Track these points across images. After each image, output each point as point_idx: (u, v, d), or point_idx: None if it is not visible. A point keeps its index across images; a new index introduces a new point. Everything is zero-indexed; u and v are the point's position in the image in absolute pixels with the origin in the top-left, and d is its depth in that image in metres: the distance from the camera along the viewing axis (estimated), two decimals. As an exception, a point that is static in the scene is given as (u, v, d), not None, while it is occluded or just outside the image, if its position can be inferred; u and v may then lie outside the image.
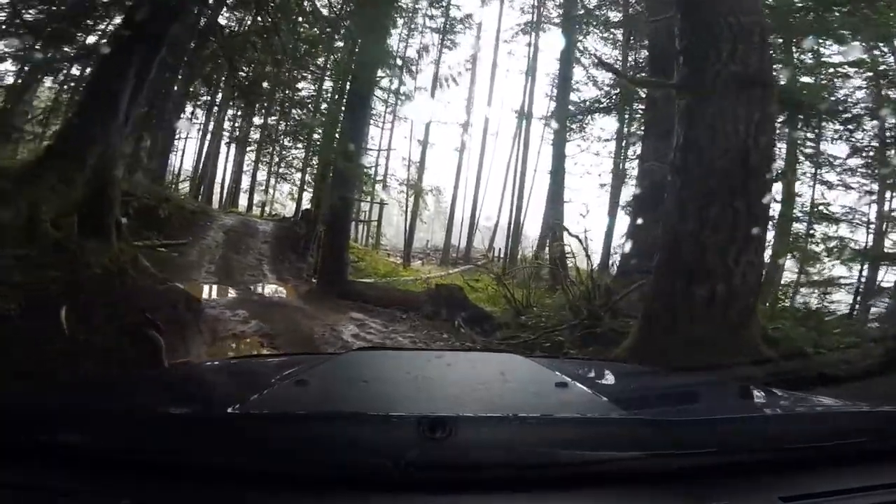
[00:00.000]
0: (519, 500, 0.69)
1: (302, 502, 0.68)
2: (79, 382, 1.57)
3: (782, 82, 7.18)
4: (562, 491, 0.70)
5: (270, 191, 20.52)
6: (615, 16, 15.62)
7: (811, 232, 9.61)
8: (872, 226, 9.60)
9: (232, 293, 7.89)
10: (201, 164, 17.69)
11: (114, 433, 0.75)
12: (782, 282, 8.77)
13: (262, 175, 20.30)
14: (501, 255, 21.12)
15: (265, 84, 12.34)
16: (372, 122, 17.39)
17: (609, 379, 1.64)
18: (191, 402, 1.11)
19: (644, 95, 12.09)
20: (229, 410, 0.87)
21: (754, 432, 0.85)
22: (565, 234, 8.30)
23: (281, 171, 19.49)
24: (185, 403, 1.07)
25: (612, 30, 15.28)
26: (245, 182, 20.05)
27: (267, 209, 19.78)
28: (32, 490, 0.69)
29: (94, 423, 0.77)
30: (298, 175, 18.44)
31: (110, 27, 9.23)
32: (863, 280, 9.09)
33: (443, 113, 20.63)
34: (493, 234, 23.82)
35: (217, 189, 19.48)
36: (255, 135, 19.30)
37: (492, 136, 21.98)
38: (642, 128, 17.99)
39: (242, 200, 19.78)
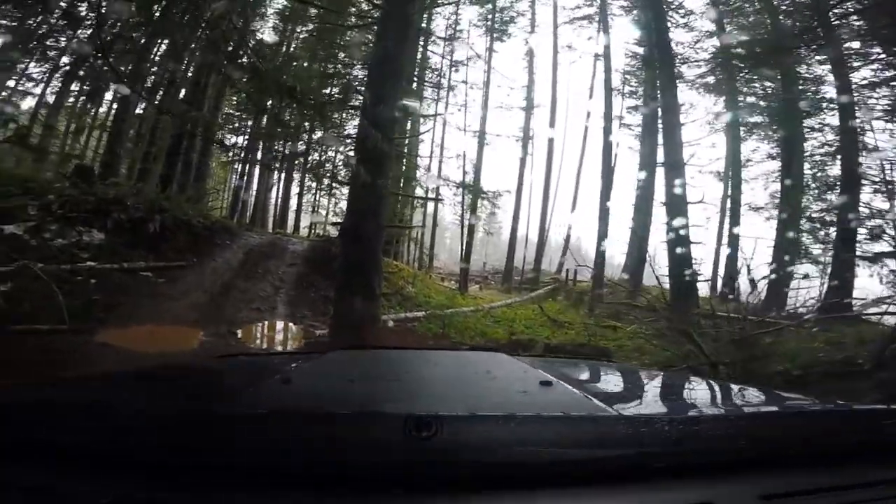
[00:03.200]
0: (505, 498, 0.66)
1: (287, 502, 0.65)
2: (62, 381, 1.30)
3: None
4: (547, 489, 0.67)
5: (321, 210, 19.05)
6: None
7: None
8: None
9: (194, 343, 4.98)
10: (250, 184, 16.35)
11: (97, 431, 0.70)
12: None
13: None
14: (574, 277, 17.55)
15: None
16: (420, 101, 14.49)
17: (593, 378, 1.56)
18: (176, 400, 1.02)
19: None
20: (213, 409, 0.82)
21: (735, 430, 0.82)
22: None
23: (330, 184, 17.62)
24: (170, 402, 0.99)
25: None
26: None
27: (318, 230, 18.03)
28: (12, 489, 0.66)
29: (76, 422, 0.73)
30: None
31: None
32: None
33: (503, 98, 17.03)
34: (564, 252, 20.26)
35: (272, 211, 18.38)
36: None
37: (559, 137, 18.44)
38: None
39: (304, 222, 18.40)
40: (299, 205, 19.20)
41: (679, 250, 9.80)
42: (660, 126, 14.25)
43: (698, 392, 1.42)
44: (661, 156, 14.51)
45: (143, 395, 1.05)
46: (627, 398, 1.29)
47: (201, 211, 10.16)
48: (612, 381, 1.55)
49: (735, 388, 1.47)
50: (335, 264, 9.98)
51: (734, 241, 13.66)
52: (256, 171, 18.48)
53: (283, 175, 19.08)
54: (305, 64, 12.09)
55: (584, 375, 1.57)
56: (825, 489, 0.73)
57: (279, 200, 18.98)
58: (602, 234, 14.29)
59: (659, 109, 14.22)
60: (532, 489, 0.66)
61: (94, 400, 0.90)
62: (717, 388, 1.50)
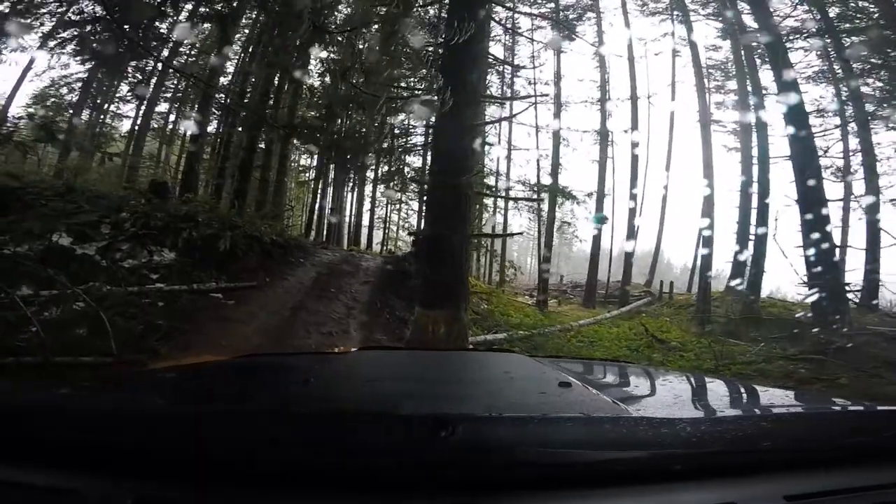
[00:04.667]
0: (524, 499, 0.64)
1: (306, 501, 0.63)
2: (82, 380, 1.39)
3: None
4: (567, 491, 0.65)
5: (392, 227, 18.94)
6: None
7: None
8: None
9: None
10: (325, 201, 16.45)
11: (117, 432, 0.68)
12: None
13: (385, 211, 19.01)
14: (670, 289, 15.32)
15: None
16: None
17: (612, 379, 1.54)
18: (195, 400, 0.99)
19: None
20: (233, 409, 0.79)
21: (760, 431, 0.80)
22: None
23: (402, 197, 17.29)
24: (190, 401, 0.96)
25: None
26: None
27: (390, 245, 17.78)
28: (34, 490, 0.65)
29: (96, 422, 0.71)
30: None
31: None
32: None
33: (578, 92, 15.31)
34: (654, 264, 18.07)
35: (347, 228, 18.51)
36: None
37: (642, 138, 16.38)
38: None
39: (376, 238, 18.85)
40: (371, 221, 19.04)
41: (822, 255, 7.80)
42: (763, 120, 12.28)
43: (719, 392, 1.37)
44: (774, 150, 12.58)
45: (160, 396, 1.01)
46: (647, 399, 1.23)
47: (276, 228, 9.74)
48: (631, 382, 1.46)
49: (756, 388, 1.46)
50: (409, 282, 9.11)
51: (873, 242, 11.16)
52: (331, 188, 18.56)
53: (355, 190, 19.02)
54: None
55: (603, 376, 1.52)
56: (850, 490, 0.71)
57: (353, 217, 18.92)
58: (706, 242, 12.25)
59: (764, 100, 12.32)
60: (551, 490, 0.64)
61: (115, 401, 0.87)
62: (738, 388, 1.45)
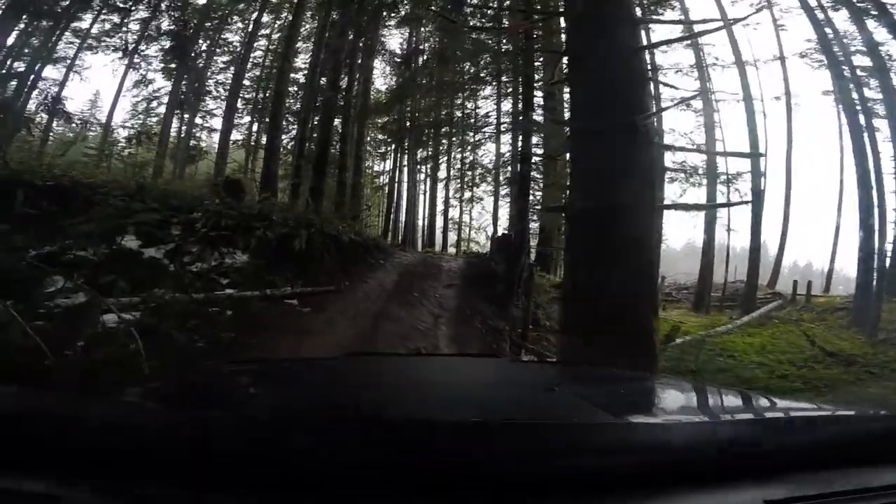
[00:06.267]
0: None
1: None
2: (73, 386, 1.32)
3: None
4: (551, 496, 0.64)
5: (465, 228, 18.06)
6: None
7: None
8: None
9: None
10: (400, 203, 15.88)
11: (103, 438, 0.65)
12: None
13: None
14: (808, 291, 12.45)
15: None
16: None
17: (598, 384, 1.46)
18: (184, 406, 0.96)
19: None
20: (223, 415, 0.78)
21: (740, 435, 0.80)
22: None
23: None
24: (179, 408, 0.93)
25: None
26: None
27: (464, 246, 16.92)
28: (17, 496, 0.62)
29: (83, 427, 0.68)
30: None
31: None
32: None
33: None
34: (778, 261, 15.17)
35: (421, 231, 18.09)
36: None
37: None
38: None
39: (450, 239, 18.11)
40: (445, 222, 18.25)
41: None
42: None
43: (704, 399, 1.36)
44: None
45: (150, 403, 1.00)
46: (632, 405, 1.18)
47: (355, 228, 8.95)
48: (617, 388, 1.38)
49: (740, 394, 1.51)
50: (498, 284, 7.77)
51: None
52: (405, 191, 17.99)
53: (427, 191, 18.34)
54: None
55: (589, 382, 1.49)
56: (830, 494, 0.70)
57: (426, 219, 18.26)
58: (866, 227, 9.62)
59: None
60: (534, 496, 0.63)
61: (102, 407, 0.84)
62: (722, 394, 1.43)
